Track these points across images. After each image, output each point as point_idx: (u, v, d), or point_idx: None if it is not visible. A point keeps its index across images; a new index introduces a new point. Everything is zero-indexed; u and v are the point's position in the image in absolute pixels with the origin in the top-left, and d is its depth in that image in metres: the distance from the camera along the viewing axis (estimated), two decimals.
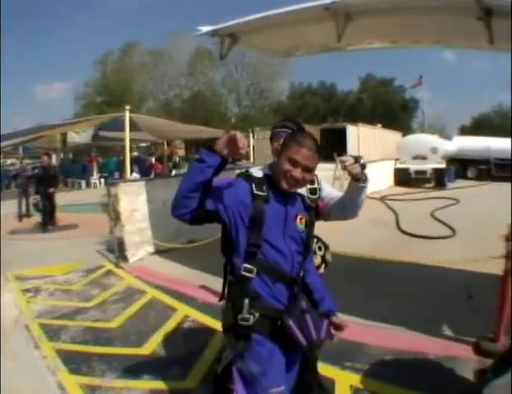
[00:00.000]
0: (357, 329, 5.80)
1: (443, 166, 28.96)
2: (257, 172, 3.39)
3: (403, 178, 28.48)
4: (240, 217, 2.79)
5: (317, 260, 4.04)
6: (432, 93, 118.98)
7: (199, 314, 6.86)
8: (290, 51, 10.29)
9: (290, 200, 2.95)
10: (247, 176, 2.95)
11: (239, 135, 2.57)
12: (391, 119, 56.76)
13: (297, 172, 2.84)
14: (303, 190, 3.36)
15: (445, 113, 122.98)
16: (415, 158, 28.96)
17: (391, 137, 33.44)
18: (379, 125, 34.04)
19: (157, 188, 10.84)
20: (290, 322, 2.70)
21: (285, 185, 2.87)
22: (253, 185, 2.85)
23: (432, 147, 29.87)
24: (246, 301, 2.74)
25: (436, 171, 28.48)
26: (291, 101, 69.80)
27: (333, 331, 2.89)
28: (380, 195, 21.76)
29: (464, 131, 65.87)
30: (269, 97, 69.79)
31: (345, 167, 3.32)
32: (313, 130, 26.48)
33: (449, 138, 35.80)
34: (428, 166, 28.55)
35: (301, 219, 2.95)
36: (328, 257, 4.24)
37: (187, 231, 9.98)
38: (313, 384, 3.77)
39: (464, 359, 5.31)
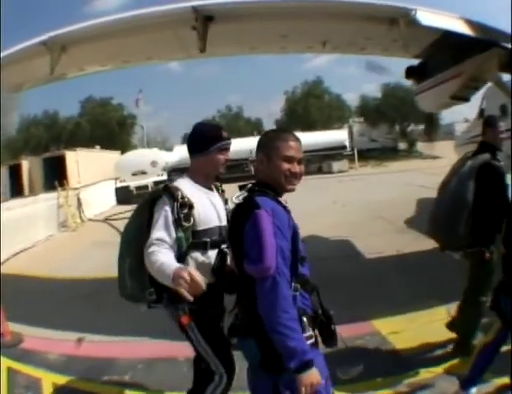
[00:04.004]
0: (106, 346, 6.36)
1: (164, 178, 29.43)
2: (189, 186, 3.53)
3: (124, 196, 28.31)
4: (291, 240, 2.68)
5: None
6: (154, 106, 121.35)
7: None
8: (17, 86, 10.14)
9: None
10: (268, 195, 2.73)
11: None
12: (111, 139, 56.64)
13: (296, 168, 2.80)
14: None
15: (169, 124, 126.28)
16: (135, 174, 29.33)
17: (111, 157, 33.55)
18: (98, 147, 33.76)
19: None
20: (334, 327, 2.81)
21: (289, 186, 2.83)
22: (282, 202, 2.78)
23: (152, 160, 30.63)
24: (305, 319, 2.67)
25: (157, 183, 28.69)
26: (20, 134, 66.02)
27: None
28: (103, 217, 21.86)
29: (186, 140, 68.12)
30: (2, 133, 64.87)
31: None
32: (37, 161, 25.79)
33: (170, 149, 36.98)
34: (149, 180, 29.08)
35: None
36: None
37: None
38: None
39: None
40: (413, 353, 5.43)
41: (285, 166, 2.77)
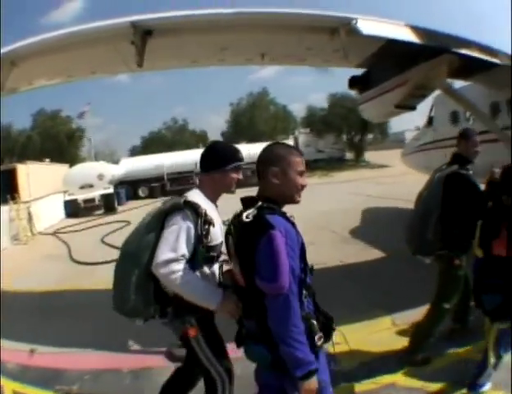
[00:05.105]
0: (56, 357, 6.44)
1: (110, 191, 29.70)
2: (204, 202, 3.56)
3: (72, 209, 28.27)
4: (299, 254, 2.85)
5: None
6: (102, 118, 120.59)
7: None
8: None
9: None
10: (276, 212, 2.86)
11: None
12: (60, 152, 55.99)
13: (305, 181, 3.01)
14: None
15: (116, 136, 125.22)
16: (82, 187, 29.27)
17: (61, 170, 33.03)
18: (47, 160, 33.33)
19: None
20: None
21: (299, 199, 3.03)
22: (289, 217, 2.92)
23: (99, 174, 30.53)
24: (314, 322, 2.87)
25: (104, 196, 29.13)
26: None
27: None
28: (53, 230, 21.59)
29: (135, 152, 67.86)
30: None
31: None
32: None
33: (118, 162, 36.91)
34: (96, 193, 29.16)
35: None
36: None
37: None
38: None
39: (158, 368, 5.68)
40: (357, 363, 5.42)
41: (299, 180, 2.94)
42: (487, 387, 4.45)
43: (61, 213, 28.02)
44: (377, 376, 5.05)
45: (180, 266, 3.30)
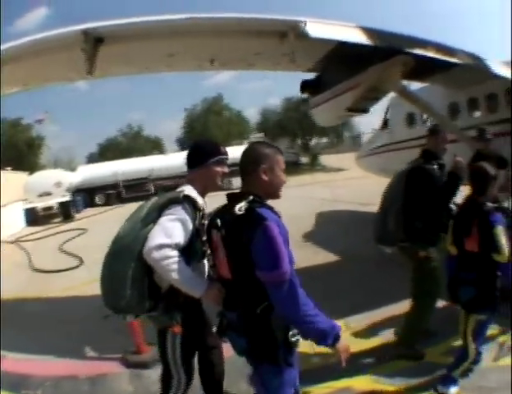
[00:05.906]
0: (21, 363, 6.47)
1: (68, 198, 29.44)
2: (197, 197, 3.64)
3: (32, 217, 28.08)
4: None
5: None
6: (60, 126, 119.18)
7: None
8: None
9: None
10: (265, 206, 2.96)
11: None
12: (20, 160, 55.25)
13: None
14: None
15: (75, 144, 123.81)
16: (41, 195, 28.86)
17: (21, 178, 32.48)
18: (9, 168, 32.74)
19: None
20: None
21: (281, 194, 3.17)
22: (276, 211, 2.99)
23: (56, 181, 30.12)
24: None
25: (62, 204, 28.94)
26: None
27: None
28: (14, 238, 21.40)
29: (92, 159, 66.77)
30: None
31: None
32: None
33: (75, 169, 36.56)
34: (53, 201, 28.88)
35: None
36: None
37: None
38: None
39: (113, 374, 5.82)
40: (311, 368, 5.25)
41: (284, 177, 3.13)
42: (455, 389, 4.51)
43: (22, 221, 27.81)
44: (332, 380, 5.00)
45: (173, 252, 3.33)
